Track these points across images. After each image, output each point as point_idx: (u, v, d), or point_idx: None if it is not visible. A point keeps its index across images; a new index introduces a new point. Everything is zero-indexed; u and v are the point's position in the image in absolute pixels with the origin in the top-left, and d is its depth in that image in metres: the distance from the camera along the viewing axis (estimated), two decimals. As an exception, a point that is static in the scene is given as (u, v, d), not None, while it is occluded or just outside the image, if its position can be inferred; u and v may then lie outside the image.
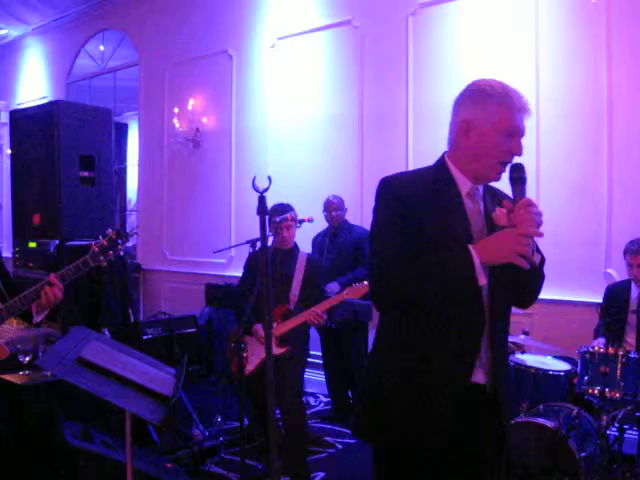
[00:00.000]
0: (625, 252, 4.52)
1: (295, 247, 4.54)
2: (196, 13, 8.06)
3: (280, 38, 7.27)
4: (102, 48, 9.82)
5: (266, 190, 2.30)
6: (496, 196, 2.17)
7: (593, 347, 4.04)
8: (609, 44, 5.08)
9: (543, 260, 2.09)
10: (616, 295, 4.62)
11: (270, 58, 7.36)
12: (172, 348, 5.91)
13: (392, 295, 2.00)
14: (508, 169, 2.03)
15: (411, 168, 6.05)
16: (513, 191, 2.01)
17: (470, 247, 1.92)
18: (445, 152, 2.15)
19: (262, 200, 2.30)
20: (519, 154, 2.03)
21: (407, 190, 2.04)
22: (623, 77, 5.04)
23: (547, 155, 5.34)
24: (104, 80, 9.83)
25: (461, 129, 2.06)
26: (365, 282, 4.33)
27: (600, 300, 4.73)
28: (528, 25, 5.47)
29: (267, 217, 4.14)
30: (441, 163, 2.13)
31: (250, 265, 4.52)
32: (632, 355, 3.91)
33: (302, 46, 7.07)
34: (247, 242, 4.31)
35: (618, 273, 4.97)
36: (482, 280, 1.91)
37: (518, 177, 1.99)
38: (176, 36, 8.31)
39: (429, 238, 1.98)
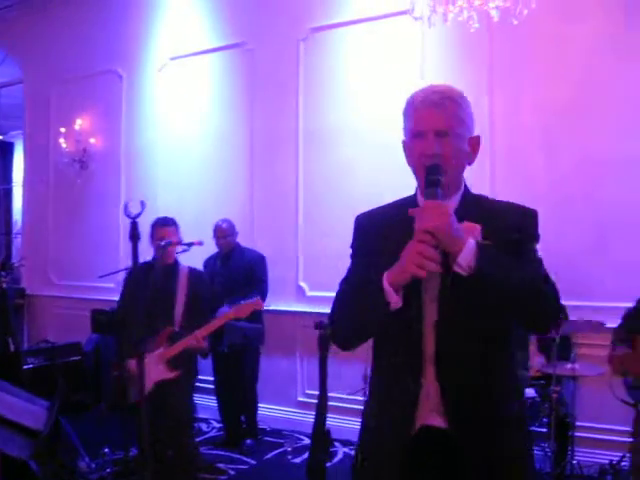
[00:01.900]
0: None
1: (176, 262, 4.33)
2: (85, 31, 7.82)
3: (172, 58, 7.16)
4: (-17, 64, 9.41)
5: (138, 215, 2.22)
6: (485, 210, 1.88)
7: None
8: (490, 71, 5.31)
9: (527, 275, 1.70)
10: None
11: (161, 78, 7.24)
12: (55, 377, 5.66)
13: (335, 329, 1.90)
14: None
15: (301, 189, 6.13)
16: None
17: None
18: None
19: (134, 226, 2.22)
20: (427, 152, 1.76)
21: (369, 222, 1.91)
22: (502, 103, 5.26)
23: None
24: (-13, 97, 9.44)
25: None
26: (250, 300, 4.24)
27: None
28: (414, 52, 5.62)
29: (150, 231, 4.08)
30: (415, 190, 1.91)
31: (129, 285, 4.26)
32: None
33: (194, 67, 6.99)
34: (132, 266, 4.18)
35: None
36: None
37: (427, 181, 1.73)
38: (63, 53, 8.03)
39: (382, 267, 1.73)
